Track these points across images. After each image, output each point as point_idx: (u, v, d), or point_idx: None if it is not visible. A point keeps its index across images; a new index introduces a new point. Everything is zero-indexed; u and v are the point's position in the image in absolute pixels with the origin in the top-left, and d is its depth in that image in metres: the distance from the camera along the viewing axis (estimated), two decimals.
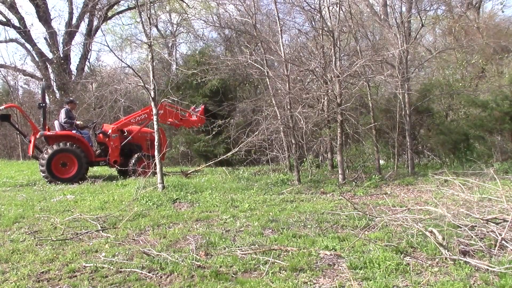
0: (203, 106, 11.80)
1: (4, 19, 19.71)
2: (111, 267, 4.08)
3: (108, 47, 14.43)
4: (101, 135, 10.69)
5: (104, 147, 10.71)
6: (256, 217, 5.88)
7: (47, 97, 16.90)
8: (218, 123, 12.13)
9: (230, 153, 11.14)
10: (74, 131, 10.23)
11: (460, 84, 12.60)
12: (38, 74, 20.64)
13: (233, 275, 3.83)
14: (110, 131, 10.56)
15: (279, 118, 9.45)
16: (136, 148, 10.78)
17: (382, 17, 13.97)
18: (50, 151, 9.81)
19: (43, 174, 9.87)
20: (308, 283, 3.62)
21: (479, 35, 14.56)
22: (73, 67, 21.16)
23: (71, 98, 12.18)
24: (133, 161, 10.33)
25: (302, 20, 12.57)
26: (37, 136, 10.11)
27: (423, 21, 11.17)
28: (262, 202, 6.94)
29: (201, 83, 14.76)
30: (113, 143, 10.49)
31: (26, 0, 19.87)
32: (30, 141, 10.19)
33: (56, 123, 10.58)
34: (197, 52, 18.15)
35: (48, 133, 10.20)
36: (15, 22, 19.62)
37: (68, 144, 9.95)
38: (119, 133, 10.69)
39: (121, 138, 10.67)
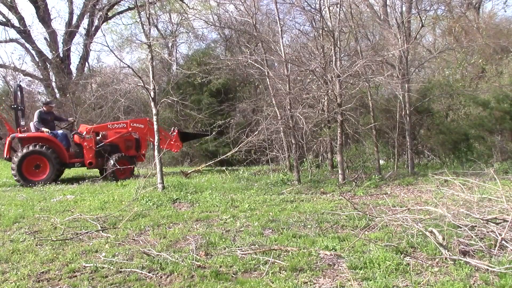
0: (176, 131, 11.32)
1: (4, 19, 19.70)
2: (111, 267, 4.08)
3: (108, 47, 14.52)
4: (76, 136, 10.49)
5: (80, 148, 10.49)
6: (256, 217, 5.89)
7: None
8: (219, 123, 12.12)
9: (230, 153, 11.14)
10: (47, 132, 10.04)
11: (460, 84, 12.60)
12: (38, 74, 20.63)
13: (233, 275, 3.82)
14: (84, 132, 10.39)
15: (279, 118, 9.45)
16: (114, 149, 10.53)
17: (382, 17, 13.96)
18: (20, 153, 9.71)
19: (15, 178, 9.80)
20: (308, 283, 3.62)
21: (479, 35, 14.55)
22: (73, 67, 21.18)
23: (48, 100, 12.04)
24: (112, 162, 10.09)
25: (303, 20, 12.61)
26: (9, 138, 10.01)
27: (423, 21, 11.17)
28: (262, 202, 6.94)
29: (205, 84, 14.76)
30: (87, 144, 10.26)
31: (26, 0, 19.87)
32: (5, 143, 10.08)
33: (31, 124, 10.42)
34: (198, 52, 18.18)
35: (20, 135, 10.06)
36: (15, 22, 19.61)
37: (39, 146, 9.82)
38: (94, 134, 10.47)
39: (96, 140, 10.47)
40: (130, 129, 10.63)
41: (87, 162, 10.28)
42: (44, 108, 10.59)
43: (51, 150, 9.91)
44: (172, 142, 11.05)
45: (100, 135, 10.63)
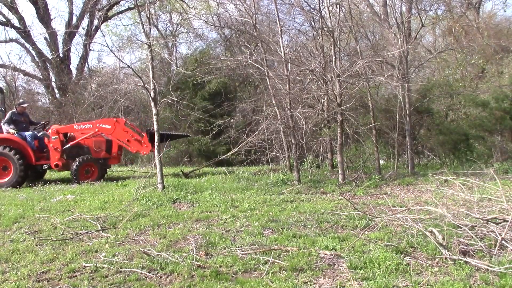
0: (145, 133, 10.50)
1: (4, 19, 19.70)
2: (111, 267, 4.08)
3: (108, 47, 14.47)
4: (45, 137, 10.27)
5: (48, 150, 10.24)
6: (256, 217, 5.89)
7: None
8: (218, 123, 12.08)
9: (230, 153, 11.13)
10: (13, 133, 9.91)
11: (460, 84, 12.60)
12: (38, 74, 20.64)
13: (233, 275, 3.82)
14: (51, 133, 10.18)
15: (279, 118, 9.45)
16: (83, 150, 10.28)
17: (382, 17, 13.95)
18: None
19: None
20: (308, 283, 3.62)
21: (479, 35, 14.55)
22: (73, 67, 21.18)
23: (21, 100, 11.74)
24: (76, 164, 9.86)
25: (302, 20, 12.60)
26: None
27: (423, 21, 11.17)
28: (262, 202, 6.94)
29: (200, 84, 14.74)
30: (53, 145, 10.03)
31: (26, 0, 19.87)
32: None
33: (2, 126, 10.28)
34: (197, 51, 18.21)
35: None
36: (15, 22, 19.62)
37: (8, 148, 9.69)
38: (61, 135, 10.21)
39: (64, 141, 10.24)
40: (96, 129, 10.27)
41: (53, 164, 10.02)
42: (17, 109, 10.44)
43: (15, 152, 9.70)
44: (141, 145, 10.32)
45: (68, 136, 10.38)
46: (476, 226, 4.58)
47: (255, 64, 9.98)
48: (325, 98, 9.85)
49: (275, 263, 4.03)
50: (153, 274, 3.91)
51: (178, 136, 13.36)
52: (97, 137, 10.43)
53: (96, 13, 19.71)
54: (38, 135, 10.40)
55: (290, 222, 5.52)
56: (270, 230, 5.25)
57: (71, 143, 10.22)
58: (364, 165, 10.74)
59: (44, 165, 10.27)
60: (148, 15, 8.42)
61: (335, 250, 4.36)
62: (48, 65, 20.00)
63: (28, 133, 10.21)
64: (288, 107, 9.09)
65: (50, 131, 10.50)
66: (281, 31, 9.46)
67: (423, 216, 4.98)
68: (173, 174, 10.96)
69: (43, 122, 11.28)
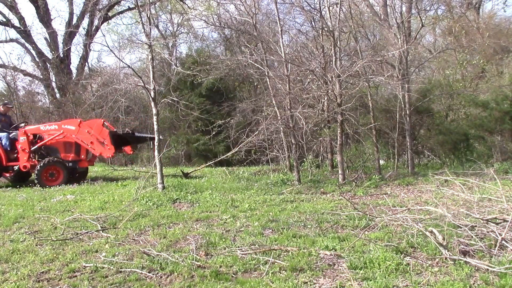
0: (108, 136, 9.87)
1: (4, 19, 19.71)
2: (111, 267, 4.08)
3: (108, 47, 14.49)
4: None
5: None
6: (256, 217, 5.89)
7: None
8: (218, 123, 12.09)
9: (230, 153, 11.12)
10: None
11: (460, 84, 12.60)
12: (38, 74, 20.63)
13: (233, 275, 3.82)
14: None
15: (279, 118, 9.45)
16: (52, 152, 10.09)
17: (382, 17, 13.96)
18: None
19: None
20: (308, 283, 3.62)
21: (479, 35, 14.55)
22: (73, 67, 21.18)
23: (6, 101, 11.69)
24: (39, 166, 9.60)
25: (302, 20, 12.63)
26: None
27: (423, 21, 11.17)
28: (262, 202, 6.94)
29: (198, 83, 14.72)
30: (21, 146, 9.83)
31: (26, 0, 19.88)
32: None
33: None
34: (193, 51, 18.24)
35: None
36: (15, 22, 19.63)
37: None
38: (30, 136, 10.02)
39: (33, 142, 10.05)
40: (62, 131, 9.95)
41: (21, 166, 9.83)
42: (1, 108, 10.41)
43: None
44: (104, 148, 9.82)
45: (37, 137, 10.21)
46: (476, 226, 4.57)
47: (255, 64, 9.98)
48: (325, 98, 9.85)
49: (275, 263, 4.03)
50: (153, 274, 3.91)
51: (146, 138, 11.81)
52: (67, 138, 10.10)
53: (97, 13, 19.71)
54: (10, 136, 10.21)
55: (290, 222, 5.52)
56: (270, 230, 5.25)
57: (38, 144, 10.05)
58: (364, 165, 10.74)
59: (15, 167, 10.03)
60: (148, 15, 8.42)
61: (335, 250, 4.36)
62: (48, 65, 20.00)
63: (2, 134, 10.11)
64: (288, 107, 9.10)
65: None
66: (281, 31, 9.47)
67: (423, 216, 4.98)
68: (173, 175, 10.96)
69: (20, 122, 11.18)
